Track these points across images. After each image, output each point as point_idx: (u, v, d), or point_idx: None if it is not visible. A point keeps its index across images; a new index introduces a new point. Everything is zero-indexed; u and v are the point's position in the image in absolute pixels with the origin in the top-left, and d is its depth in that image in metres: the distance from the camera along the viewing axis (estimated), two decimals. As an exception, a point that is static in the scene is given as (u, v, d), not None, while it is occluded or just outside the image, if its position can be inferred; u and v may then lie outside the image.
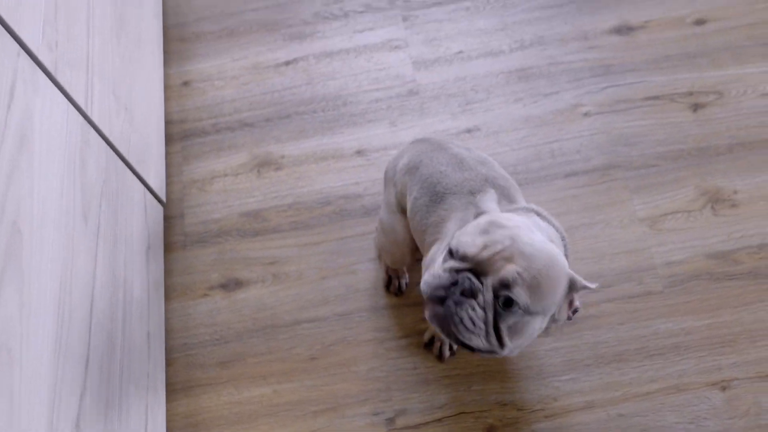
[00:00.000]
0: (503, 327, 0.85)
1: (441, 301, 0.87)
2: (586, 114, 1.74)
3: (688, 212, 1.60)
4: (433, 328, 1.47)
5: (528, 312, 0.84)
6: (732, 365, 1.45)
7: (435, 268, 0.90)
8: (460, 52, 1.85)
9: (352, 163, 1.73)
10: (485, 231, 0.87)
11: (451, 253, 0.88)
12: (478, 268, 0.85)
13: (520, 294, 0.82)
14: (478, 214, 1.01)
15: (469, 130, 1.74)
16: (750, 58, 1.77)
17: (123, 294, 1.33)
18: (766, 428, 1.39)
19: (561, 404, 1.44)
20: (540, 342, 1.50)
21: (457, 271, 0.86)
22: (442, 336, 1.31)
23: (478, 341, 0.85)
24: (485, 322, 0.84)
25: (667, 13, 1.85)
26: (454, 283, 0.85)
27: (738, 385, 1.43)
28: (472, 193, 1.10)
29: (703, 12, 1.85)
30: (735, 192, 1.62)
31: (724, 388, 1.43)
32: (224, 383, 1.52)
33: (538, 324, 0.87)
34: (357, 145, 1.75)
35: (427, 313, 0.90)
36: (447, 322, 0.86)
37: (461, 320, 0.84)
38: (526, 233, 0.87)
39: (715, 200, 1.61)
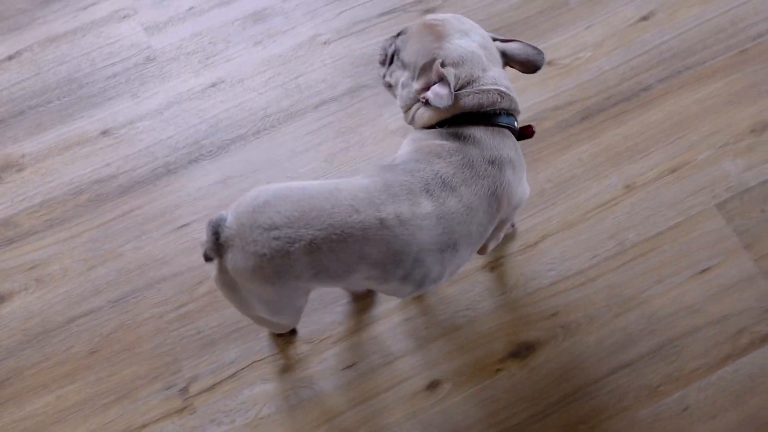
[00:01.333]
0: (395, 65, 1.14)
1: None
2: (325, 43, 1.73)
3: (435, 114, 1.64)
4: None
5: (402, 62, 1.11)
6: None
7: None
8: (192, 8, 1.79)
9: (100, 145, 1.65)
10: None
11: None
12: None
13: (398, 44, 1.14)
14: None
15: (213, 84, 1.70)
16: (468, -44, 1.82)
17: None
18: (533, 294, 1.47)
19: (347, 326, 1.46)
20: (317, 272, 1.50)
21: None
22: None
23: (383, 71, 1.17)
24: (386, 55, 1.16)
25: (385, -72, 1.86)
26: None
27: (504, 262, 1.50)
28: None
29: None
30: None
31: (492, 268, 1.50)
32: (3, 404, 1.42)
33: (404, 76, 1.11)
34: (101, 126, 1.66)
35: None
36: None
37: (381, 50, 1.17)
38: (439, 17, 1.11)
39: (458, 97, 1.66)
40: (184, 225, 1.56)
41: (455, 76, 1.05)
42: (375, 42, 1.72)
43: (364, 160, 1.60)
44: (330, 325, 1.46)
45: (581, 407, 1.38)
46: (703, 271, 1.48)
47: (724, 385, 1.39)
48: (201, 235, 1.54)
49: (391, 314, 1.46)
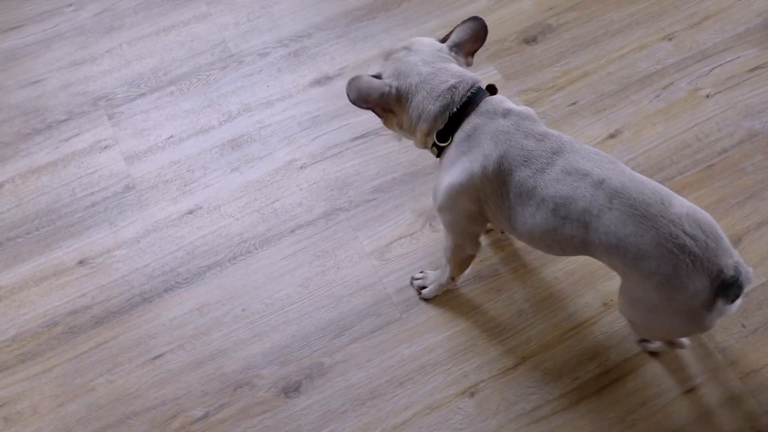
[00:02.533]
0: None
1: None
2: (301, 167, 1.77)
3: (411, 235, 1.65)
4: None
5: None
6: (476, 369, 1.49)
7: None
8: (171, 136, 1.83)
9: (76, 275, 1.64)
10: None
11: None
12: None
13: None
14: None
15: (191, 211, 1.71)
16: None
17: None
18: (516, 419, 1.42)
19: (324, 460, 1.40)
20: (292, 404, 1.46)
21: None
22: None
23: None
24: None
25: (358, 56, 1.95)
26: None
27: (484, 387, 1.47)
28: None
29: (390, 49, 1.96)
30: (449, 205, 1.69)
31: (473, 394, 1.46)
32: None
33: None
34: (78, 255, 1.67)
35: None
36: None
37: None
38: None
39: (433, 217, 1.68)
40: (159, 356, 1.53)
41: (394, 87, 1.19)
42: (350, 165, 1.76)
43: (340, 284, 1.59)
44: (306, 460, 1.40)
45: None
46: (688, 391, 1.45)
47: None
48: (175, 365, 1.52)
49: (369, 446, 1.41)
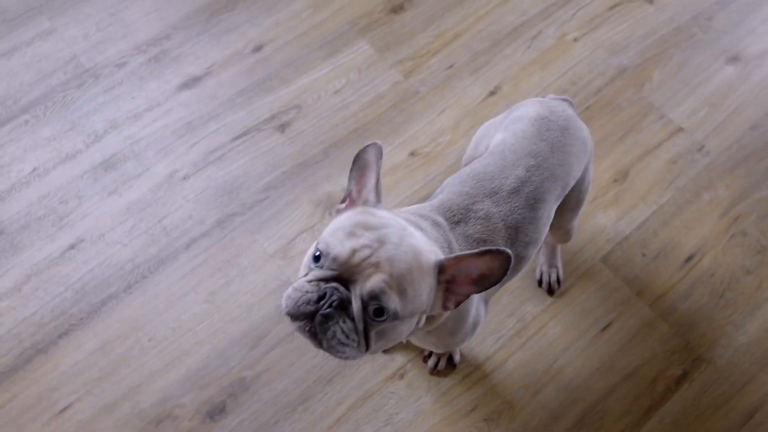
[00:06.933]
0: (372, 334, 0.81)
1: (310, 315, 0.79)
2: (184, 178, 1.67)
3: (311, 228, 1.60)
4: None
5: (397, 318, 0.80)
6: (401, 350, 1.47)
7: (299, 281, 0.82)
8: (35, 169, 1.68)
9: (-46, 340, 1.48)
10: (352, 234, 0.81)
11: (317, 258, 0.82)
12: (345, 275, 0.79)
13: (390, 301, 0.78)
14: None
15: (72, 246, 1.58)
16: (312, 64, 1.83)
17: None
18: (449, 392, 1.42)
19: (264, 477, 1.35)
20: (220, 427, 1.39)
21: (325, 280, 0.80)
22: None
23: (351, 352, 0.81)
24: (357, 333, 0.80)
25: (224, 51, 1.85)
26: (322, 296, 0.79)
27: (411, 367, 1.45)
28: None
29: (256, 39, 1.88)
30: (343, 190, 1.65)
31: (402, 376, 1.44)
32: None
33: (406, 327, 0.84)
34: (-48, 317, 1.51)
35: (295, 327, 0.81)
36: (319, 338, 0.80)
37: (334, 334, 0.79)
38: (395, 232, 0.82)
39: (330, 205, 1.63)
40: (66, 407, 1.42)
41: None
42: (235, 167, 1.68)
43: (248, 293, 1.53)
44: (245, 480, 1.34)
45: (522, 501, 1.33)
46: (605, 328, 1.49)
47: (651, 440, 1.38)
48: (85, 414, 1.40)
49: (308, 452, 1.37)
